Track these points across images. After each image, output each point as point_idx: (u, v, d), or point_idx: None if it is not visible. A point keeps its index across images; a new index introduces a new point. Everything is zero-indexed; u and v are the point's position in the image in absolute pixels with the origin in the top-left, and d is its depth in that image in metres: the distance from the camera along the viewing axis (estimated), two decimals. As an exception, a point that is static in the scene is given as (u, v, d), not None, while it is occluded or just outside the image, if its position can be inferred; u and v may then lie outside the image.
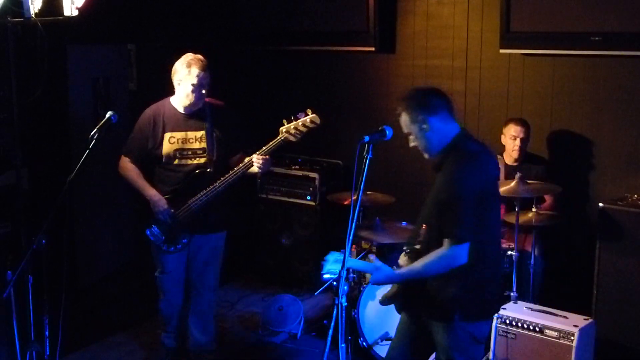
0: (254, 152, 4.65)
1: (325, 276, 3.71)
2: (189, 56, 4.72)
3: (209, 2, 7.07)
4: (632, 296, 5.03)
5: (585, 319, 4.72)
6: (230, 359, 5.42)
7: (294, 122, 4.62)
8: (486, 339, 3.71)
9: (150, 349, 5.47)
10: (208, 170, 4.76)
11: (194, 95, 4.67)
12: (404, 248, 3.79)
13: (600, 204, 5.15)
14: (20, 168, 5.09)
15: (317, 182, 6.49)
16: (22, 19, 4.65)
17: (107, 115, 4.22)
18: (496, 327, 4.66)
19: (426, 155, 3.71)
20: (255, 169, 4.66)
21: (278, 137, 4.63)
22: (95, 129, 4.13)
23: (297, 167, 6.66)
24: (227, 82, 7.22)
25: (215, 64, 7.01)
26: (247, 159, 4.66)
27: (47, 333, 4.17)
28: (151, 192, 4.74)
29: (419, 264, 3.55)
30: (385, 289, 3.94)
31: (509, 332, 4.61)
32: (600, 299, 5.16)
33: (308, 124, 4.63)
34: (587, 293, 5.24)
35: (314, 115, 4.62)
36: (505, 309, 4.69)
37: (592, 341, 4.78)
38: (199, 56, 4.74)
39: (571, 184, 5.65)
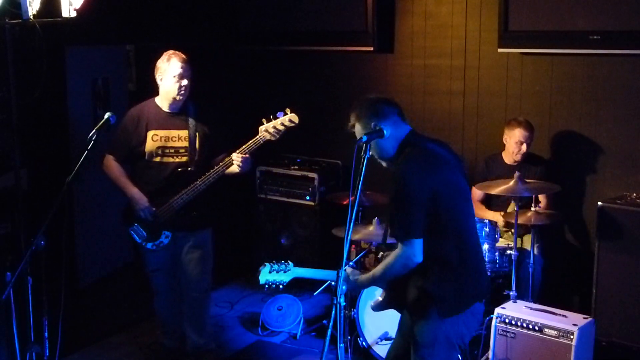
0: (234, 152, 4.72)
1: (264, 284, 3.82)
2: (168, 52, 4.80)
3: (208, 2, 7.07)
4: (631, 295, 5.03)
5: (584, 318, 4.71)
6: (230, 359, 5.42)
7: (273, 122, 4.68)
8: (461, 343, 3.65)
9: (150, 350, 5.47)
10: (189, 169, 4.80)
11: (176, 86, 4.71)
12: (381, 253, 3.81)
13: (600, 203, 5.15)
14: (19, 169, 5.09)
15: (316, 182, 6.49)
16: (20, 21, 4.65)
17: (106, 116, 4.24)
18: (495, 326, 4.67)
19: (384, 164, 3.70)
20: (235, 167, 4.71)
21: (257, 137, 4.69)
22: (94, 130, 4.14)
23: (296, 167, 6.66)
24: (226, 82, 7.23)
25: (215, 64, 7.06)
26: (227, 158, 4.72)
27: (46, 334, 4.17)
28: (133, 190, 4.80)
29: (380, 267, 3.56)
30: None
31: (508, 332, 4.61)
32: (600, 298, 5.16)
33: (287, 123, 4.68)
34: (587, 292, 5.25)
35: (293, 114, 4.69)
36: (504, 308, 4.69)
37: (591, 340, 4.78)
38: (178, 52, 4.80)
39: (570, 183, 5.66)
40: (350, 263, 3.71)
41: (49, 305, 4.13)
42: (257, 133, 4.70)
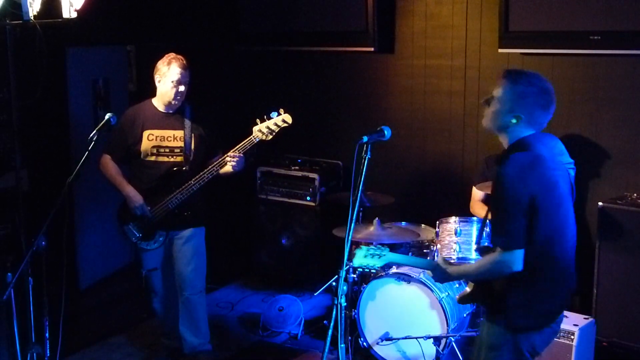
0: (228, 152, 4.79)
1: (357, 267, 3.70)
2: (170, 55, 4.86)
3: (208, 2, 7.08)
4: (632, 295, 5.03)
5: (585, 318, 4.73)
6: (231, 360, 5.44)
7: (267, 122, 4.74)
8: (532, 352, 3.48)
9: (150, 350, 5.47)
10: (184, 168, 4.87)
11: (173, 92, 4.79)
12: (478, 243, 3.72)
13: (600, 203, 5.15)
14: (20, 170, 5.10)
15: (316, 182, 6.49)
16: (20, 22, 4.66)
17: (107, 117, 4.26)
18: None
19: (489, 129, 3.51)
20: (229, 167, 4.77)
21: (250, 136, 4.75)
22: (95, 131, 4.16)
23: (296, 167, 6.65)
24: (226, 82, 7.24)
25: (215, 65, 7.07)
26: (221, 159, 4.79)
27: (47, 335, 4.17)
28: (128, 189, 4.86)
29: (472, 266, 3.53)
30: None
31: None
32: (601, 298, 5.15)
33: (280, 123, 4.74)
34: (587, 292, 5.24)
35: (286, 114, 4.74)
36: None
37: (592, 340, 4.79)
38: (180, 56, 4.86)
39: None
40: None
41: (50, 305, 4.13)
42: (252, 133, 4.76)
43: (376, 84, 6.62)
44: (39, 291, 4.09)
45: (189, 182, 4.81)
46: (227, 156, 4.77)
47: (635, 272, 5.01)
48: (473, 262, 3.52)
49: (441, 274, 3.53)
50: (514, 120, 3.34)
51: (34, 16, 4.66)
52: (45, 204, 4.43)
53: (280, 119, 4.73)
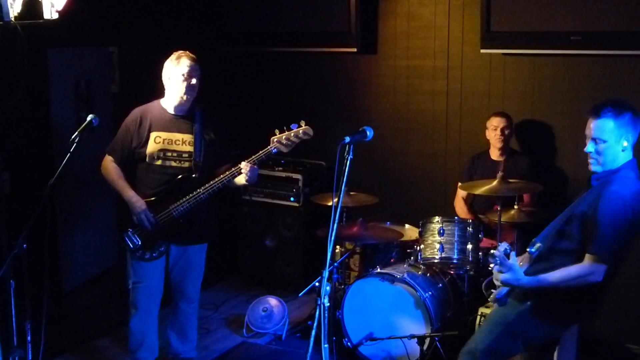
0: (242, 160, 4.51)
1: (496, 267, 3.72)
2: (178, 52, 4.69)
3: (191, 3, 7.06)
4: (615, 294, 5.05)
5: (567, 317, 4.75)
6: (215, 361, 5.43)
7: (286, 132, 4.47)
8: (538, 344, 3.79)
9: (134, 353, 5.45)
10: (193, 175, 4.62)
11: (183, 85, 4.57)
12: (534, 241, 3.77)
13: (582, 202, 5.18)
14: (1, 172, 5.07)
15: (300, 183, 6.49)
16: (1, 23, 4.61)
17: (88, 118, 4.21)
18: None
19: (598, 168, 3.74)
20: (242, 178, 4.51)
21: (269, 147, 4.49)
22: (76, 132, 4.12)
23: (280, 168, 6.65)
24: (208, 84, 7.21)
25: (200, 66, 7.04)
26: (234, 168, 4.51)
27: (29, 338, 4.14)
28: (130, 193, 4.62)
29: (554, 275, 3.60)
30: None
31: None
32: (583, 297, 5.18)
33: (300, 135, 4.48)
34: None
35: (307, 127, 4.49)
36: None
37: (575, 339, 4.81)
38: (188, 52, 4.70)
39: (552, 182, 5.68)
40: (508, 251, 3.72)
41: (32, 308, 4.10)
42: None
43: (359, 84, 6.63)
44: (21, 294, 4.05)
45: (197, 190, 4.56)
46: (242, 166, 4.47)
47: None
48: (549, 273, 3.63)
49: (514, 280, 3.67)
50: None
51: (15, 17, 4.62)
52: (27, 206, 4.41)
53: (301, 131, 4.46)
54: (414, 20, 6.28)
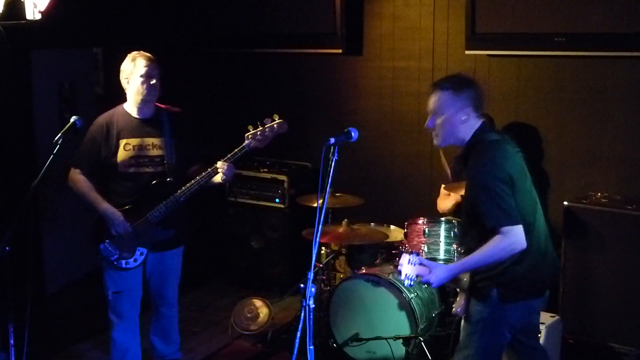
0: (218, 160, 4.46)
1: (408, 284, 3.64)
2: (133, 53, 4.54)
3: (176, 5, 7.04)
4: (597, 293, 5.10)
5: (551, 316, 4.78)
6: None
7: (260, 128, 4.44)
8: (511, 330, 3.74)
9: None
10: (168, 179, 4.54)
11: (144, 87, 4.45)
12: (458, 249, 3.79)
13: (565, 203, 5.21)
14: (-16, 174, 5.04)
15: (286, 184, 6.49)
16: (-17, 24, 4.60)
17: (72, 119, 4.16)
18: (464, 325, 4.69)
19: (438, 142, 3.78)
20: (219, 177, 4.47)
21: (243, 144, 4.46)
22: (60, 134, 4.08)
23: (265, 169, 6.65)
24: (193, 85, 7.20)
25: (183, 68, 7.03)
26: (211, 168, 4.46)
27: (12, 341, 4.10)
28: (105, 206, 4.49)
29: (477, 253, 3.55)
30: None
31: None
32: (566, 297, 5.21)
33: (275, 129, 4.45)
34: (553, 290, 5.29)
35: (281, 120, 4.46)
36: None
37: (558, 338, 4.84)
38: (144, 52, 4.55)
39: (538, 182, 5.69)
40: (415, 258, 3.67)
41: (15, 312, 4.07)
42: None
43: (344, 85, 6.63)
44: (4, 297, 4.02)
45: (174, 193, 4.47)
46: (218, 166, 4.42)
47: (599, 270, 5.08)
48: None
49: (444, 271, 3.63)
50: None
51: (-3, 18, 4.61)
52: (10, 208, 4.38)
53: (275, 125, 4.44)
54: (399, 21, 6.29)
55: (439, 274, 3.62)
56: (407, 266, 3.60)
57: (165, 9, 6.96)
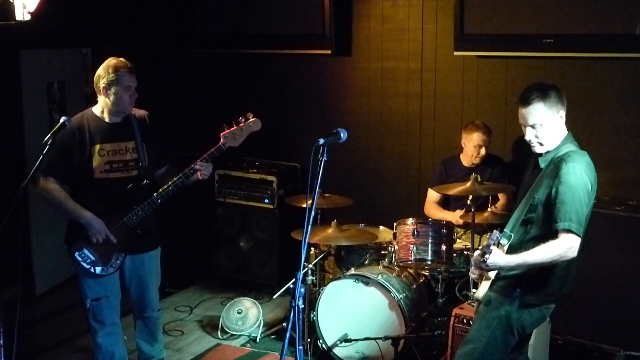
0: (197, 159, 4.46)
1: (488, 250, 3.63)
2: (111, 60, 4.44)
3: (165, 5, 7.03)
4: (585, 294, 5.11)
5: (540, 317, 4.79)
6: (190, 364, 5.41)
7: (235, 127, 4.50)
8: (521, 332, 3.80)
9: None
10: (143, 182, 4.51)
11: (126, 97, 4.40)
12: (505, 232, 3.79)
13: (554, 203, 5.23)
14: (-27, 174, 5.02)
15: (275, 185, 6.49)
16: (-28, 24, 4.58)
17: (61, 120, 4.15)
18: (453, 326, 4.71)
19: (543, 150, 3.82)
20: (197, 176, 4.49)
21: (219, 143, 4.49)
22: (50, 134, 4.07)
23: (254, 170, 6.65)
24: (183, 85, 7.20)
25: (170, 68, 7.03)
26: (187, 168, 4.44)
27: (1, 342, 4.10)
28: (85, 214, 4.38)
29: (535, 251, 3.61)
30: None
31: (465, 331, 4.65)
32: (555, 297, 5.23)
33: (250, 126, 4.52)
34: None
35: (255, 119, 4.53)
36: (462, 308, 4.74)
37: (547, 338, 4.86)
38: (123, 59, 4.48)
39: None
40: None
41: (4, 311, 4.06)
42: (216, 137, 4.52)
43: (333, 86, 6.64)
44: (-7, 297, 4.02)
45: (152, 196, 4.45)
46: (196, 165, 4.42)
47: (588, 271, 5.09)
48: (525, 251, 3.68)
49: (502, 259, 3.65)
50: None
51: (-14, 19, 4.59)
52: (-1, 208, 4.36)
53: (250, 123, 4.50)
54: (388, 22, 6.30)
55: (497, 259, 3.64)
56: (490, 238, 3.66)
57: (154, 10, 6.95)
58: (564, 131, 3.82)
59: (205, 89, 7.26)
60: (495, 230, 3.67)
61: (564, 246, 3.57)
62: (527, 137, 3.81)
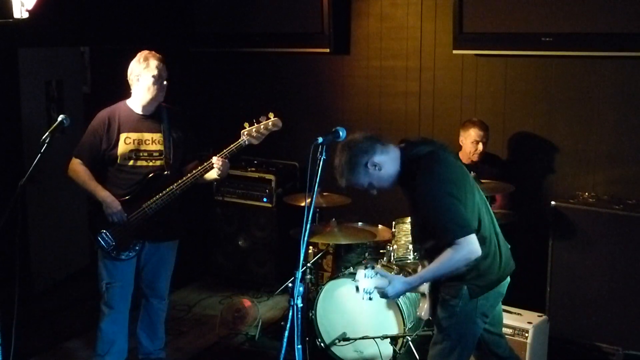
0: (214, 155, 4.54)
1: (367, 299, 3.67)
2: (144, 52, 4.64)
3: (163, 4, 7.03)
4: (584, 293, 5.12)
5: (539, 316, 4.79)
6: (188, 363, 5.41)
7: (256, 125, 4.51)
8: (484, 317, 3.80)
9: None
10: (165, 173, 4.65)
11: (155, 87, 4.56)
12: (413, 246, 3.84)
13: (553, 202, 5.24)
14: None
15: (273, 184, 6.48)
16: (-30, 22, 4.58)
17: (59, 118, 4.16)
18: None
19: (388, 187, 3.87)
20: (214, 172, 4.54)
21: (239, 140, 4.52)
22: (47, 133, 4.07)
23: (253, 169, 6.64)
24: (181, 84, 7.19)
25: (170, 67, 7.01)
26: (206, 162, 4.55)
27: (0, 340, 4.10)
28: (104, 194, 4.58)
29: (434, 265, 3.59)
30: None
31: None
32: (554, 296, 5.24)
33: (270, 127, 4.53)
34: (541, 290, 5.31)
35: (276, 118, 4.54)
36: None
37: (545, 338, 4.86)
38: (154, 52, 4.67)
39: (524, 183, 5.73)
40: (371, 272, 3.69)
41: (3, 310, 4.06)
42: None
43: (332, 85, 6.64)
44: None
45: (171, 187, 4.57)
46: (215, 161, 4.50)
47: (587, 270, 5.11)
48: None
49: (402, 286, 3.68)
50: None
51: (-16, 16, 4.58)
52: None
53: (270, 123, 4.51)
54: (387, 21, 6.30)
55: (396, 286, 3.67)
56: (364, 280, 3.65)
57: (152, 8, 6.94)
58: (393, 156, 3.76)
59: (204, 89, 7.25)
60: (359, 269, 3.69)
61: (459, 253, 3.51)
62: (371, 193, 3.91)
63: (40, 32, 5.75)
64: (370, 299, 3.67)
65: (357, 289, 3.66)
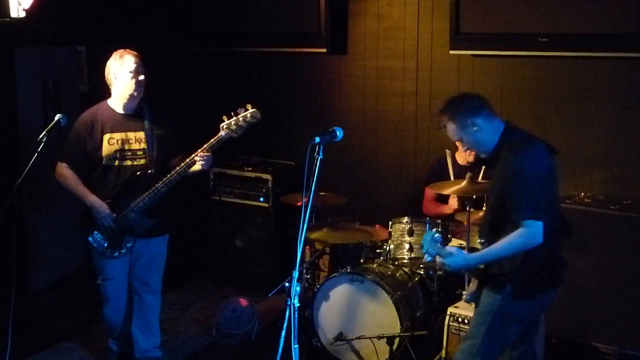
0: (195, 150, 4.62)
1: (428, 258, 3.78)
2: (119, 51, 4.69)
3: (161, 3, 7.02)
4: (580, 293, 5.12)
5: (535, 316, 4.79)
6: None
7: (234, 118, 4.57)
8: (529, 322, 3.85)
9: (101, 355, 5.39)
10: (149, 171, 4.71)
11: (133, 82, 4.60)
12: (479, 241, 3.89)
13: (549, 203, 5.24)
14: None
15: (270, 183, 6.48)
16: (-33, 21, 4.57)
17: (56, 117, 4.18)
18: (448, 325, 4.72)
19: (482, 155, 3.91)
20: (198, 166, 4.62)
21: (219, 134, 4.58)
22: (44, 132, 4.08)
23: (250, 168, 6.64)
24: (179, 83, 7.19)
25: (168, 66, 7.01)
26: (188, 158, 4.62)
27: (-4, 340, 4.11)
28: (92, 198, 4.68)
29: (496, 245, 3.66)
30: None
31: (461, 330, 4.67)
32: (550, 296, 5.23)
33: (248, 118, 4.57)
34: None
35: (254, 110, 4.58)
36: (457, 307, 4.75)
37: (541, 338, 4.86)
38: (129, 50, 4.71)
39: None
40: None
41: (-1, 310, 4.07)
42: (216, 132, 4.59)
43: (329, 85, 6.64)
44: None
45: (156, 185, 4.64)
46: (196, 155, 4.59)
47: (583, 270, 5.10)
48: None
49: (462, 259, 3.75)
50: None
51: (-19, 16, 4.58)
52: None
53: (248, 115, 4.56)
54: (384, 21, 6.30)
55: (456, 260, 3.73)
56: (430, 242, 3.75)
57: (149, 8, 6.94)
58: (495, 128, 3.82)
59: (202, 88, 7.25)
60: (429, 230, 3.74)
61: (523, 235, 3.58)
62: (462, 149, 3.93)
63: (37, 32, 5.75)
64: (430, 259, 3.79)
65: (422, 246, 3.80)
